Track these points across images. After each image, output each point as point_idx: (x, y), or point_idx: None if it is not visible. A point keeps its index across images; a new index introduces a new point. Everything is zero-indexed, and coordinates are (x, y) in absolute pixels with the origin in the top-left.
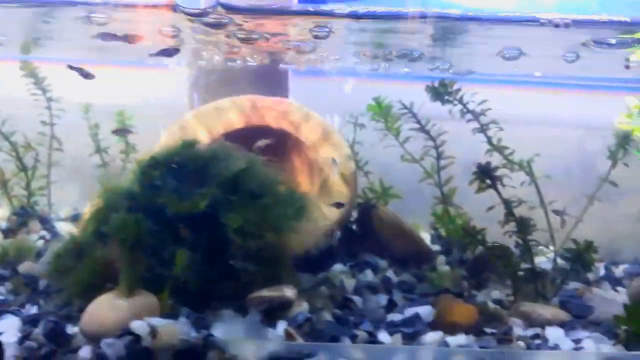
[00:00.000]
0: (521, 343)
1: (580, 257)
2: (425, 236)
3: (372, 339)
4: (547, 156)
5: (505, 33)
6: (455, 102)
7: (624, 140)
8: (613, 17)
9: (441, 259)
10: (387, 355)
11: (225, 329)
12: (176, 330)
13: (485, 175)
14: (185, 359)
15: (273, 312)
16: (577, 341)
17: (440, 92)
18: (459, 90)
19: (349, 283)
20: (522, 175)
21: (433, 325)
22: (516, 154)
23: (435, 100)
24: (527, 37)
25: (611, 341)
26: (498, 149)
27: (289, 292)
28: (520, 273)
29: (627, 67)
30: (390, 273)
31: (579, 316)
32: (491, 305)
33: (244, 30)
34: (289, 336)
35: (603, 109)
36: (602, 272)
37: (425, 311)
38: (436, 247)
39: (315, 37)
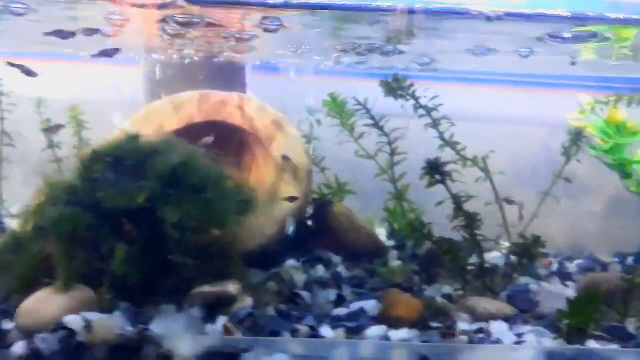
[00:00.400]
0: (464, 337)
1: (527, 252)
2: (383, 231)
3: (314, 334)
4: (512, 154)
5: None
6: (408, 98)
7: (577, 137)
8: (555, 12)
9: (395, 254)
10: (326, 349)
11: (164, 324)
12: (112, 324)
13: (435, 170)
14: (120, 354)
15: (215, 307)
16: (520, 335)
17: (394, 87)
18: (411, 86)
19: (300, 278)
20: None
21: (378, 320)
22: (481, 151)
23: (389, 96)
24: (482, 33)
25: (553, 335)
26: (450, 144)
27: (231, 287)
28: (469, 268)
29: (574, 63)
30: (341, 268)
31: (524, 310)
32: (439, 299)
33: (185, 15)
34: (227, 331)
35: (568, 107)
36: (555, 267)
37: (370, 306)
38: (392, 243)
39: (266, 30)
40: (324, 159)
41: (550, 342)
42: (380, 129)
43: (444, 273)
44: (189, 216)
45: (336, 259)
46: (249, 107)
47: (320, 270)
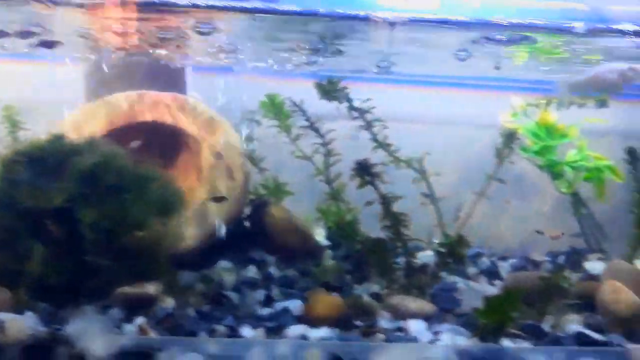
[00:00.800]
0: (381, 335)
1: (453, 251)
2: (323, 232)
3: (233, 334)
4: (464, 155)
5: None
6: (342, 100)
7: (509, 138)
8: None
9: (330, 254)
10: (241, 348)
11: (82, 324)
12: (24, 325)
13: (364, 171)
14: (33, 354)
15: (135, 308)
16: (437, 333)
17: (328, 89)
18: (345, 88)
19: (230, 279)
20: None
21: (300, 319)
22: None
23: (323, 98)
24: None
25: (470, 333)
26: (383, 146)
27: (151, 288)
28: (396, 266)
29: (498, 68)
30: (273, 269)
31: (446, 309)
32: (366, 298)
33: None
34: (142, 331)
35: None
36: (487, 265)
37: (294, 305)
38: (329, 243)
39: (200, 33)
40: (263, 159)
41: (464, 340)
42: (316, 130)
43: (374, 272)
44: (106, 217)
45: (270, 259)
46: (187, 107)
47: (252, 271)
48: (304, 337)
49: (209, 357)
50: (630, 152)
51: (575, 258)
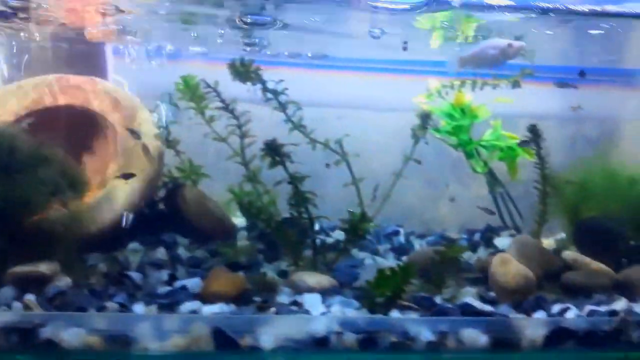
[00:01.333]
0: (273, 309)
1: (355, 228)
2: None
3: (123, 310)
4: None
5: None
6: (256, 82)
7: (425, 119)
8: None
9: (245, 234)
10: (127, 323)
11: None
12: None
13: (273, 152)
14: None
15: (27, 286)
16: (329, 306)
17: (240, 71)
18: (258, 70)
19: (136, 260)
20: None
21: (197, 296)
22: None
23: (236, 79)
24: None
25: (360, 305)
26: (298, 127)
27: (44, 267)
28: (305, 244)
29: (405, 48)
30: (182, 250)
31: (344, 283)
32: (272, 276)
33: None
34: (26, 307)
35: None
36: (400, 242)
37: (194, 283)
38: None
39: (103, 14)
40: (179, 142)
41: (352, 312)
42: (231, 112)
43: (286, 251)
44: None
45: (182, 241)
46: (101, 90)
47: (160, 252)
48: (195, 313)
49: (93, 331)
50: (532, 130)
51: (489, 235)
